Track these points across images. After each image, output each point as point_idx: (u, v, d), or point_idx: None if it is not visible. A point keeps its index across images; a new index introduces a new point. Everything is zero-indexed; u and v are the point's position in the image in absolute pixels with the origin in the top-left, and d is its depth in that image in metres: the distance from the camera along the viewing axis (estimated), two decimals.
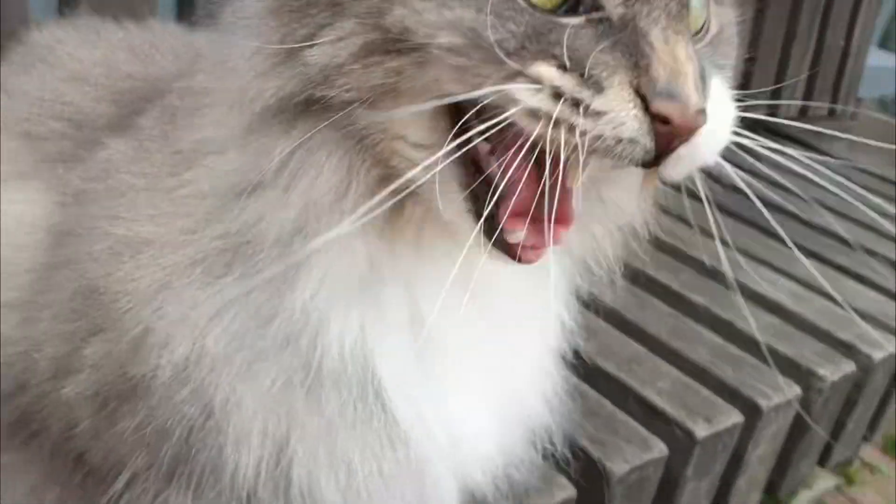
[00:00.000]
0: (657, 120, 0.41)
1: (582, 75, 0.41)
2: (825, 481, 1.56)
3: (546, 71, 0.42)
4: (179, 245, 0.50)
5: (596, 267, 0.58)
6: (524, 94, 0.41)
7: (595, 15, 0.43)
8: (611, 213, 0.56)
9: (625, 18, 0.43)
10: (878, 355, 1.31)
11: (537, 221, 0.44)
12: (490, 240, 0.46)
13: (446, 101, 0.43)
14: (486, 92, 0.42)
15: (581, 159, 0.41)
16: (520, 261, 0.46)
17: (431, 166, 0.44)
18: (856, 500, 1.55)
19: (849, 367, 1.28)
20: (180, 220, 0.50)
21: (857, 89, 2.55)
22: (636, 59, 0.42)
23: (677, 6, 0.44)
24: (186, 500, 0.52)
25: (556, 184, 0.42)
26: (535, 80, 0.41)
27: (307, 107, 0.46)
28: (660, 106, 0.41)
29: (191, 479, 0.52)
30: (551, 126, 0.41)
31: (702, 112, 0.42)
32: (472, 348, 0.54)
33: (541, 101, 0.42)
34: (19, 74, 0.63)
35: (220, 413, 0.50)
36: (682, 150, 0.43)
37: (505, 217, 0.45)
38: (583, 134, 0.41)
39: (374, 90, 0.44)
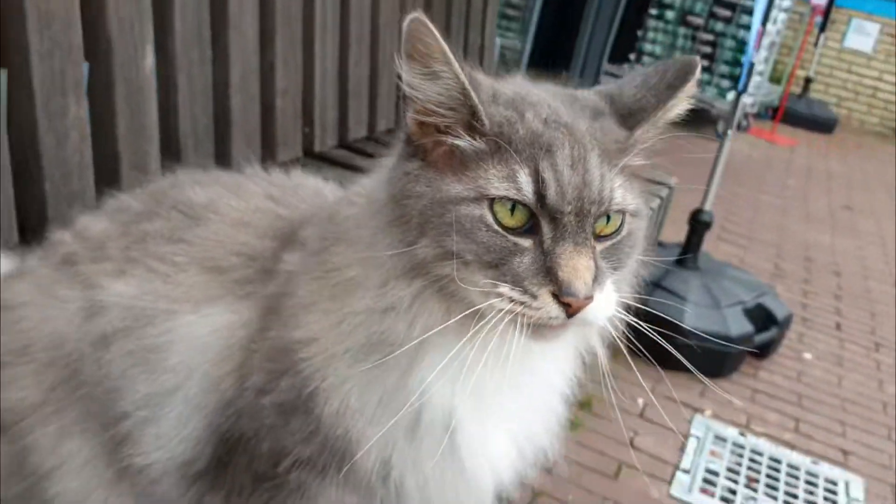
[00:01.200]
0: (563, 304, 0.72)
1: (524, 290, 0.72)
2: None
3: (505, 290, 0.73)
4: (337, 341, 0.77)
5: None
6: (498, 304, 0.73)
7: (538, 239, 0.73)
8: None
9: (550, 243, 0.73)
10: None
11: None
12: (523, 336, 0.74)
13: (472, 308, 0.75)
14: (481, 306, 0.74)
15: (526, 326, 0.73)
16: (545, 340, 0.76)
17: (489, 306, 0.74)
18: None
19: None
20: (339, 327, 0.77)
21: None
22: (553, 272, 0.72)
23: (582, 237, 0.73)
24: (340, 489, 0.81)
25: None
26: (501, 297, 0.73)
27: (420, 272, 0.74)
28: (563, 299, 0.72)
29: (340, 473, 0.80)
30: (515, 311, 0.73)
31: (589, 298, 0.72)
32: (509, 405, 0.83)
33: (504, 304, 0.73)
34: (191, 227, 0.85)
35: (355, 441, 0.78)
36: (580, 315, 0.73)
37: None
38: (529, 316, 0.73)
39: (449, 273, 0.72)
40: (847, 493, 2.42)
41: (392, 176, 0.77)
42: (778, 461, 2.51)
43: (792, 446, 2.61)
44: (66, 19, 1.30)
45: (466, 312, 0.73)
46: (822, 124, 8.32)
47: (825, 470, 2.51)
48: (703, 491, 2.30)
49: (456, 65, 0.71)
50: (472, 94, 0.71)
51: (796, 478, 2.45)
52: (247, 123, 1.79)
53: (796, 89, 8.44)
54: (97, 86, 1.41)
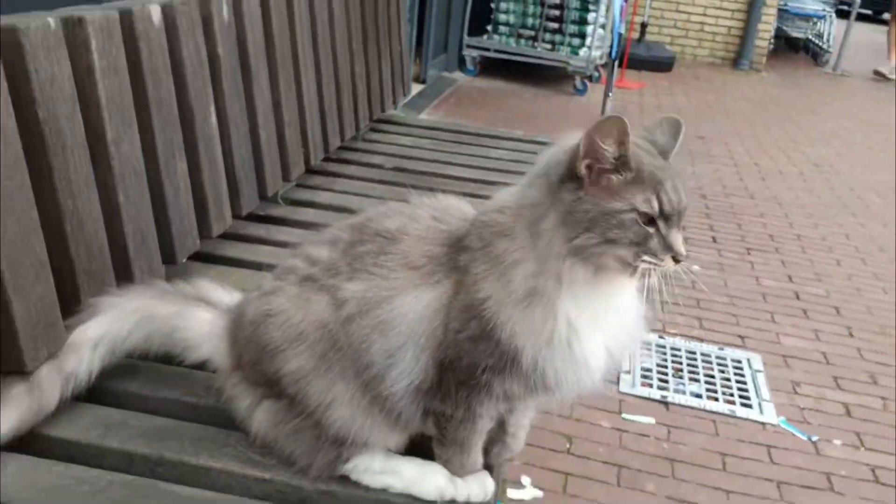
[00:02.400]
0: (675, 261, 1.13)
1: (655, 255, 1.11)
2: None
3: (647, 257, 1.11)
4: (506, 295, 1.17)
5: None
6: (643, 264, 1.12)
7: (657, 229, 1.12)
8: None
9: (665, 231, 1.12)
10: None
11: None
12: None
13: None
14: (635, 263, 1.12)
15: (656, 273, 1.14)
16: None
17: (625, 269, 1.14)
18: None
19: None
20: (507, 287, 1.17)
21: None
22: (670, 246, 1.12)
23: (678, 225, 1.13)
24: (510, 380, 1.21)
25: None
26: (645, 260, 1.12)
27: (573, 253, 1.13)
28: (677, 258, 1.12)
29: (511, 370, 1.20)
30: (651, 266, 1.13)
31: (687, 256, 1.14)
32: (610, 325, 1.23)
33: (647, 264, 1.12)
34: (391, 244, 1.28)
35: (520, 351, 1.18)
36: (679, 266, 1.14)
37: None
38: (661, 270, 1.13)
39: (603, 252, 1.13)
40: (750, 367, 3.12)
41: (554, 198, 1.15)
42: (693, 352, 3.19)
43: (701, 340, 3.30)
44: (169, 101, 1.71)
45: (617, 268, 1.14)
46: (663, 64, 9.21)
47: (730, 353, 3.21)
48: (644, 384, 2.93)
49: (631, 143, 1.12)
50: (632, 157, 1.13)
51: (709, 362, 3.13)
52: (271, 151, 2.22)
53: (635, 35, 9.28)
54: (186, 147, 1.82)
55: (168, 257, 1.75)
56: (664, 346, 3.21)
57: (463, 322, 1.19)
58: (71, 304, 1.45)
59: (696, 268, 3.99)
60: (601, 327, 1.21)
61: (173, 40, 1.75)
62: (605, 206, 1.12)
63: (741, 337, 3.36)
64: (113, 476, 1.28)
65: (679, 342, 3.26)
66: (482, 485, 1.31)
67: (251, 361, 1.30)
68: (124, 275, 1.60)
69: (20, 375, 1.35)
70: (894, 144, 6.95)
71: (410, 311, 1.21)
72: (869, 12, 15.15)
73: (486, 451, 1.36)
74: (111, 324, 1.41)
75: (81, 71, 1.47)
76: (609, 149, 1.11)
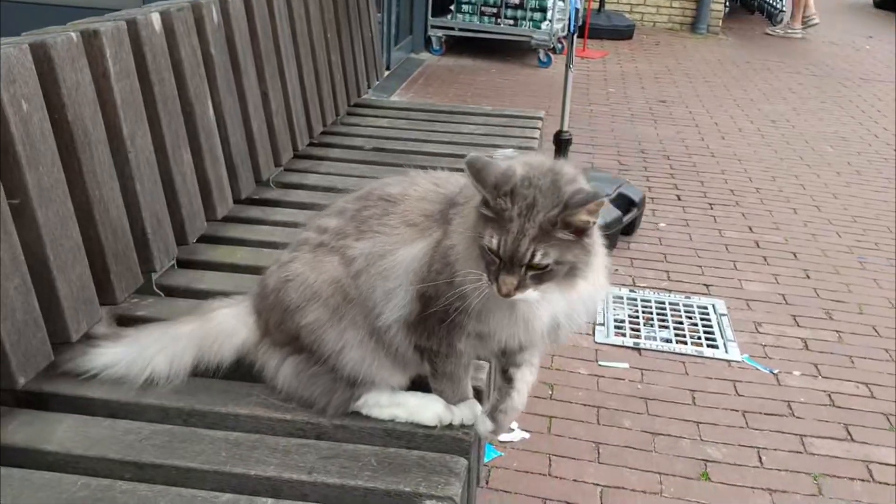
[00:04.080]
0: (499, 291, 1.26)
1: (490, 280, 1.26)
2: None
3: (483, 277, 1.28)
4: (465, 247, 1.33)
5: None
6: (481, 281, 1.29)
7: (496, 257, 1.26)
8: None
9: (499, 266, 1.26)
10: None
11: None
12: None
13: None
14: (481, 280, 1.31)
15: (491, 290, 1.29)
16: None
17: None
18: None
19: None
20: (464, 242, 1.34)
21: None
22: (498, 279, 1.24)
23: (511, 269, 1.25)
24: (471, 319, 1.38)
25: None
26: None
27: None
28: (500, 291, 1.26)
29: (469, 314, 1.36)
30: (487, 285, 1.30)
31: (508, 294, 1.25)
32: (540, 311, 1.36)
33: (482, 282, 1.29)
34: (394, 206, 1.48)
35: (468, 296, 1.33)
36: (510, 298, 1.27)
37: None
38: (488, 289, 1.28)
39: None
40: (715, 312, 3.37)
41: (477, 209, 1.29)
42: (662, 302, 3.43)
43: (669, 291, 3.54)
44: (172, 98, 1.91)
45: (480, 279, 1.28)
46: (623, 32, 9.42)
47: (696, 300, 3.46)
48: (617, 334, 3.17)
49: (482, 186, 1.26)
50: (486, 193, 1.26)
51: (678, 311, 3.37)
52: (262, 138, 2.42)
53: (595, 5, 9.47)
54: (190, 138, 2.02)
55: (180, 238, 1.95)
56: (635, 299, 3.45)
57: (440, 265, 1.39)
58: (103, 282, 1.65)
59: (661, 225, 4.24)
60: (548, 298, 1.34)
61: (172, 43, 1.93)
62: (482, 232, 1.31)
63: (706, 286, 3.60)
64: (154, 426, 1.48)
65: (649, 294, 3.50)
66: (471, 409, 1.52)
67: (276, 323, 1.51)
68: (144, 255, 1.80)
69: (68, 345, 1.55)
70: (844, 98, 7.24)
71: (407, 257, 1.42)
72: None
73: (492, 403, 1.53)
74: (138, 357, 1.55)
75: (99, 76, 1.66)
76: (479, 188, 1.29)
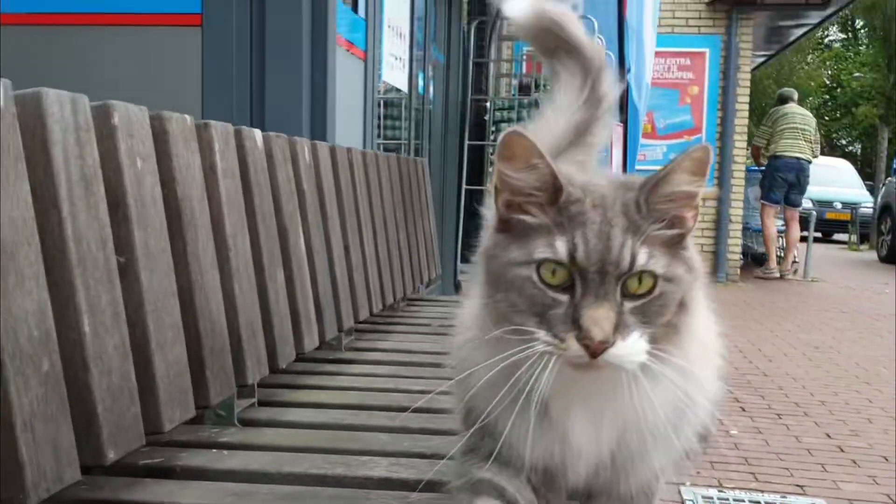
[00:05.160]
0: (585, 346, 0.84)
1: (555, 335, 0.85)
2: None
3: (541, 335, 0.86)
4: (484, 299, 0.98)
5: None
6: (537, 346, 0.86)
7: (571, 296, 0.86)
8: None
9: (579, 297, 0.85)
10: None
11: None
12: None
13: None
14: (530, 346, 0.87)
15: (560, 361, 0.86)
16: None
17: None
18: None
19: None
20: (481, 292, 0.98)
21: None
22: (577, 321, 0.84)
23: (603, 291, 0.85)
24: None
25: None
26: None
27: (502, 320, 0.92)
28: (584, 341, 0.83)
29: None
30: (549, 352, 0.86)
31: (605, 342, 0.83)
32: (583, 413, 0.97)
33: (539, 347, 0.86)
34: None
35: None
36: (602, 357, 0.84)
37: None
38: (559, 356, 0.85)
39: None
40: None
41: (485, 245, 0.95)
42: (757, 502, 3.09)
43: (761, 491, 3.21)
44: (269, 215, 1.83)
45: (514, 350, 0.86)
46: None
47: (794, 500, 3.11)
48: None
49: (548, 158, 0.89)
50: (559, 177, 0.89)
51: None
52: (344, 288, 2.32)
53: None
54: (283, 261, 1.91)
55: (271, 359, 1.76)
56: (727, 499, 3.11)
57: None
58: (197, 375, 1.45)
59: (734, 431, 3.96)
60: (587, 406, 0.95)
61: (271, 164, 1.89)
62: (505, 255, 0.91)
63: (799, 486, 3.27)
64: None
65: (740, 493, 3.16)
66: None
67: None
68: (238, 362, 1.61)
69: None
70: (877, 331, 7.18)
71: None
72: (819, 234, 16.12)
73: None
74: None
75: (207, 167, 1.59)
76: (517, 176, 0.90)
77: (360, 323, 2.61)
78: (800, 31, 11.73)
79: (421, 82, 5.79)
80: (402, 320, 2.97)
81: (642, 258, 0.86)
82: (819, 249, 13.84)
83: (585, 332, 0.83)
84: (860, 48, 31.67)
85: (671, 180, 0.89)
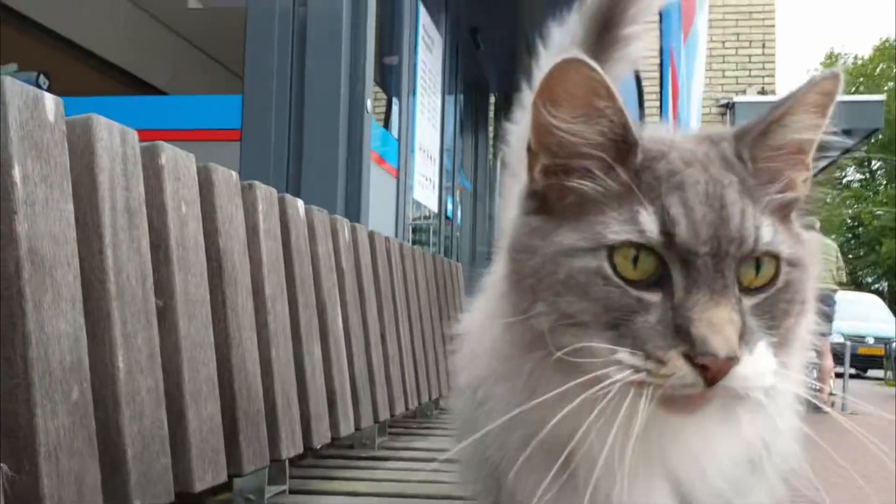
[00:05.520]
0: (699, 366, 0.57)
1: (647, 355, 0.59)
2: None
3: (624, 356, 0.60)
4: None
5: None
6: (614, 373, 0.60)
7: (668, 291, 0.60)
8: None
9: (682, 294, 0.60)
10: None
11: None
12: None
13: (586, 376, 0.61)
14: (595, 374, 0.60)
15: (656, 396, 0.59)
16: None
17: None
18: None
19: None
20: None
21: None
22: (685, 329, 0.58)
23: (721, 283, 0.59)
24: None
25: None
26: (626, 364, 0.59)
27: (540, 343, 0.66)
28: (698, 360, 0.58)
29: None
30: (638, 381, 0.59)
31: (733, 358, 0.57)
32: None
33: (621, 374, 0.60)
34: None
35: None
36: (723, 382, 0.58)
37: None
38: (658, 386, 0.58)
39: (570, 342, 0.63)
40: None
41: (512, 237, 0.68)
42: None
43: None
44: (309, 286, 1.76)
45: (580, 380, 0.60)
46: None
47: None
48: None
49: (620, 100, 0.62)
50: (632, 128, 0.64)
51: None
52: (380, 377, 2.21)
53: None
54: (321, 335, 1.82)
55: (306, 436, 1.64)
56: None
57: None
58: (230, 438, 1.34)
59: None
60: (650, 458, 0.69)
61: (311, 236, 1.84)
62: (551, 243, 0.64)
63: None
64: None
65: None
66: None
67: None
68: (272, 434, 1.49)
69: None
70: None
71: None
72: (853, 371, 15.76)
73: None
74: None
75: (249, 225, 1.54)
76: (571, 127, 0.64)
77: (392, 426, 2.49)
78: (821, 164, 11.87)
79: (450, 206, 5.84)
80: (438, 424, 2.83)
81: (766, 233, 0.62)
82: (854, 385, 13.50)
83: (701, 344, 0.57)
84: (879, 188, 32.04)
85: (788, 122, 0.67)
